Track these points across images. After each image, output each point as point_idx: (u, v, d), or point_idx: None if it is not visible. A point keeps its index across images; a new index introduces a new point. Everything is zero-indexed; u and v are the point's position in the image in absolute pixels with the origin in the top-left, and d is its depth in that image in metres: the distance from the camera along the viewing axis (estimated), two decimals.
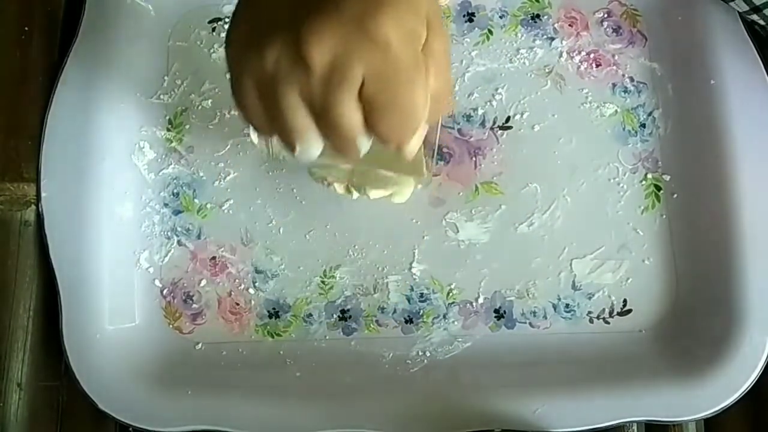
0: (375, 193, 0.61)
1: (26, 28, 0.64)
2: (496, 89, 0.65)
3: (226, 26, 0.65)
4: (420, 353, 0.62)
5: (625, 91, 0.65)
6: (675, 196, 0.63)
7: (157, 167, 0.65)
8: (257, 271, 0.63)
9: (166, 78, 0.66)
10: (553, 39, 0.66)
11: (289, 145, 0.45)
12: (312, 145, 0.45)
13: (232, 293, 0.63)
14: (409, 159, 0.47)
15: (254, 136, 0.54)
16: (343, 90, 0.41)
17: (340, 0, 0.40)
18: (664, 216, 0.63)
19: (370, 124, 0.43)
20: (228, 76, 0.45)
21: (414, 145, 0.45)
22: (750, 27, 0.63)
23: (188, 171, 0.65)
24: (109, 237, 0.62)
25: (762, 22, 0.61)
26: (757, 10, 0.60)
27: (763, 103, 0.62)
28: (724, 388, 0.58)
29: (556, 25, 0.66)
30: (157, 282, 0.63)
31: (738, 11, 0.62)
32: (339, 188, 0.62)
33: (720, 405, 0.57)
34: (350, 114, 0.42)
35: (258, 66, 0.42)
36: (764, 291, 0.59)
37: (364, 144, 0.44)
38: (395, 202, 0.62)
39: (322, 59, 0.40)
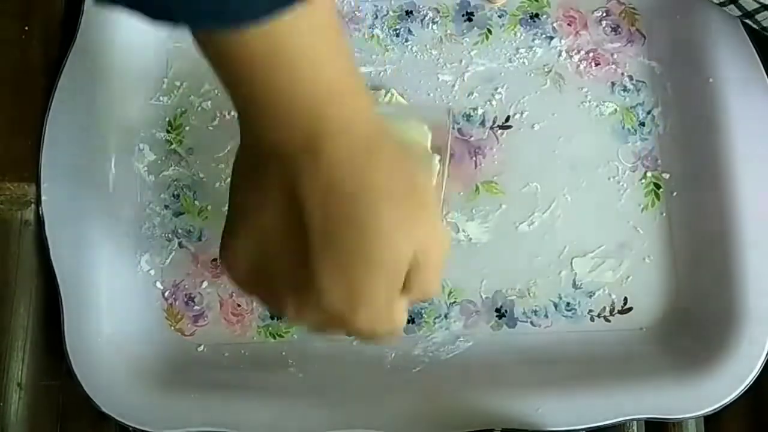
0: None
1: (26, 28, 0.64)
2: (496, 89, 0.65)
3: None
4: (422, 353, 0.62)
5: (624, 90, 0.65)
6: (674, 194, 0.63)
7: (157, 169, 0.65)
8: None
9: (165, 80, 0.66)
10: (552, 38, 0.66)
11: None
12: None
13: (234, 295, 0.63)
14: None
15: None
16: (326, 334, 0.45)
17: (319, 286, 0.41)
18: (664, 214, 0.63)
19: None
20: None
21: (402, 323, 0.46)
22: (748, 26, 0.63)
23: (188, 173, 0.65)
24: (110, 240, 0.62)
25: (756, 27, 0.62)
26: (749, 15, 0.61)
27: (761, 101, 0.62)
28: (724, 386, 0.58)
29: (555, 25, 0.66)
30: (158, 284, 0.63)
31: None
32: None
33: (720, 402, 0.57)
34: (337, 336, 0.45)
35: (254, 293, 0.46)
36: (764, 288, 0.59)
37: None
38: None
39: (302, 324, 0.45)
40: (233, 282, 0.46)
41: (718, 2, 0.61)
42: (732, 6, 0.61)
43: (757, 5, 0.60)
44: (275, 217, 0.42)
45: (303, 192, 0.40)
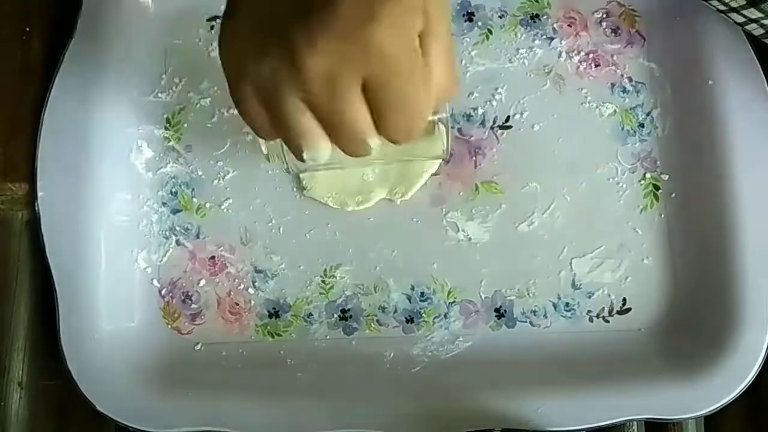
0: (373, 196, 0.62)
1: (26, 28, 0.63)
2: (496, 89, 0.65)
3: None
4: (421, 353, 0.62)
5: (623, 91, 0.65)
6: (673, 195, 0.64)
7: (155, 166, 0.65)
8: (257, 271, 0.63)
9: (164, 76, 0.66)
10: (552, 39, 0.66)
11: (297, 150, 0.45)
12: (320, 148, 0.45)
13: (232, 293, 0.63)
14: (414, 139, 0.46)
15: (263, 147, 0.54)
16: (343, 98, 0.41)
17: (333, 8, 0.39)
18: (663, 215, 0.64)
19: (376, 126, 0.43)
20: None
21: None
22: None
23: (187, 170, 0.65)
24: (107, 236, 0.62)
25: (755, 34, 0.62)
26: (740, 26, 0.61)
27: (760, 103, 0.62)
28: (723, 386, 0.58)
29: (555, 25, 0.67)
30: (155, 282, 0.63)
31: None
32: (332, 203, 0.63)
33: (719, 402, 0.58)
34: (355, 117, 0.42)
35: (256, 74, 0.42)
36: (762, 289, 0.59)
37: (374, 142, 0.44)
38: (399, 202, 0.62)
39: (317, 70, 0.40)
40: (235, 66, 0.43)
41: (718, 10, 0.62)
42: (733, 14, 0.61)
43: (743, 19, 0.60)
44: None
45: None
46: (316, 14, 0.39)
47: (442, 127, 0.53)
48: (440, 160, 0.63)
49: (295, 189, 0.64)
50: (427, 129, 0.50)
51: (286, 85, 0.41)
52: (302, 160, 0.46)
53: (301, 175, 0.63)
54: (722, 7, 0.60)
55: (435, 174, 0.64)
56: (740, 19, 0.60)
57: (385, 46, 0.40)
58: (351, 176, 0.63)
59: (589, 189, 0.64)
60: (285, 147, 0.48)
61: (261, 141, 0.52)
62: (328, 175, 0.63)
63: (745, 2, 0.57)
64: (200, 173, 0.65)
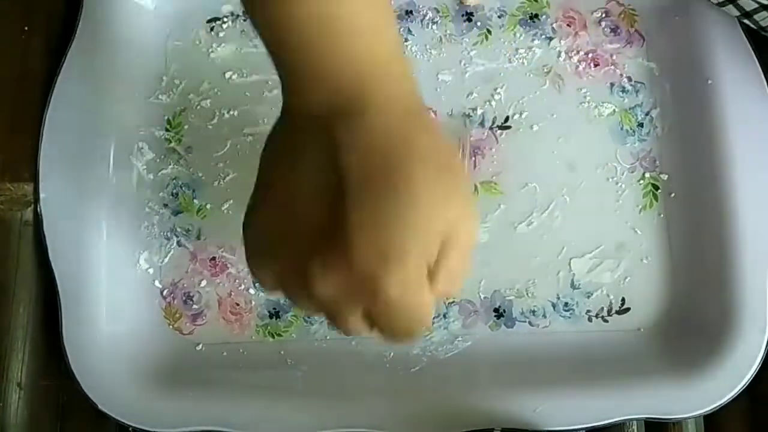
0: None
1: (26, 28, 0.64)
2: (495, 89, 0.65)
3: (225, 26, 0.66)
4: (420, 353, 0.62)
5: (623, 91, 0.65)
6: (672, 195, 0.63)
7: (156, 167, 0.65)
8: None
9: (164, 78, 0.66)
10: (551, 39, 0.66)
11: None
12: None
13: (233, 293, 0.63)
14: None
15: None
16: (345, 320, 0.42)
17: (350, 252, 0.39)
18: (662, 215, 0.63)
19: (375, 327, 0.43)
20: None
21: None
22: (746, 27, 0.63)
23: (187, 171, 0.65)
24: (109, 238, 0.62)
25: (754, 27, 0.62)
26: (748, 15, 0.61)
27: (759, 102, 0.62)
28: (723, 385, 0.58)
29: (554, 25, 0.67)
30: (156, 283, 0.63)
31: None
32: None
33: (718, 402, 0.58)
34: (355, 330, 0.42)
35: (272, 267, 0.43)
36: (761, 289, 0.59)
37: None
38: None
39: (325, 296, 0.40)
40: (253, 257, 0.44)
41: (716, 2, 0.62)
42: (731, 6, 0.61)
43: (755, 5, 0.60)
44: (309, 174, 0.41)
45: (342, 148, 0.40)
46: (334, 248, 0.40)
47: None
48: None
49: None
50: None
51: (297, 281, 0.41)
52: None
53: None
54: None
55: None
56: (736, 12, 0.60)
57: (392, 296, 0.39)
58: None
59: (588, 189, 0.64)
60: None
61: None
62: None
63: None
64: (201, 174, 0.65)
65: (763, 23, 0.61)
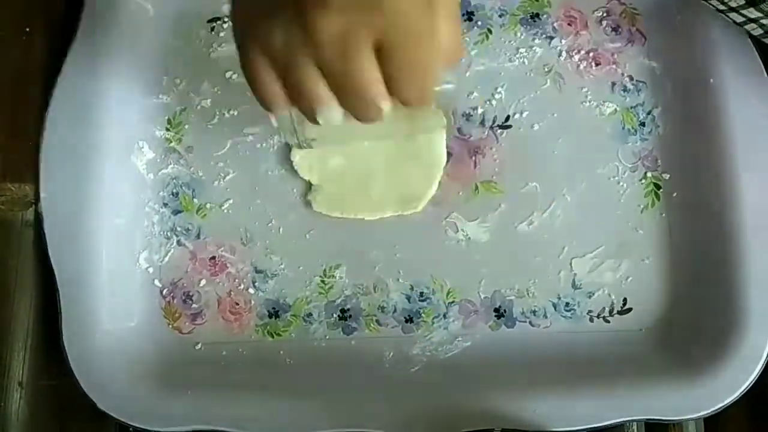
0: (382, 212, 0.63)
1: (26, 28, 0.64)
2: (496, 88, 0.65)
3: (225, 25, 0.66)
4: (420, 352, 0.62)
5: (624, 90, 0.65)
6: (674, 194, 0.63)
7: (156, 167, 0.65)
8: (257, 271, 0.63)
9: (165, 77, 0.66)
10: (552, 38, 0.66)
11: (310, 114, 0.45)
12: (333, 110, 0.44)
13: (232, 293, 0.63)
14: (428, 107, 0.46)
15: (274, 120, 0.54)
16: (356, 59, 0.41)
17: None
18: (664, 215, 0.63)
19: (389, 87, 0.42)
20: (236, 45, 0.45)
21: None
22: None
23: (187, 171, 0.65)
24: (109, 237, 0.62)
25: (755, 33, 0.62)
26: (740, 26, 0.61)
27: (761, 102, 0.61)
28: (724, 387, 0.58)
29: (555, 24, 0.66)
30: (156, 282, 0.64)
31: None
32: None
33: (720, 404, 0.57)
34: (368, 79, 0.42)
35: (267, 39, 0.42)
36: (764, 289, 0.59)
37: (386, 105, 0.44)
38: (408, 213, 0.63)
39: (330, 32, 0.40)
40: (245, 30, 0.43)
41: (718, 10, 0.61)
42: (733, 14, 0.61)
43: (743, 18, 0.59)
44: None
45: None
46: None
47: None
48: (441, 171, 0.63)
49: (295, 190, 0.64)
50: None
51: (298, 49, 0.41)
52: (316, 123, 0.45)
53: (309, 196, 0.63)
54: (722, 7, 0.59)
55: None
56: (739, 19, 0.59)
57: (398, 7, 0.40)
58: (356, 190, 0.63)
59: (589, 188, 0.64)
60: (295, 120, 0.48)
61: (271, 115, 0.52)
62: (333, 191, 0.63)
63: (744, 2, 0.57)
64: (201, 174, 0.65)
65: (754, 33, 0.61)
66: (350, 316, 0.63)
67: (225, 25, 0.67)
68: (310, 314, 0.63)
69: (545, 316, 0.62)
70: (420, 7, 0.41)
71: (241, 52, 0.44)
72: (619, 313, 0.62)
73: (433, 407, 0.59)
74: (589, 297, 0.62)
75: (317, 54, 0.41)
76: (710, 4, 0.60)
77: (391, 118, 0.45)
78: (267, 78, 0.44)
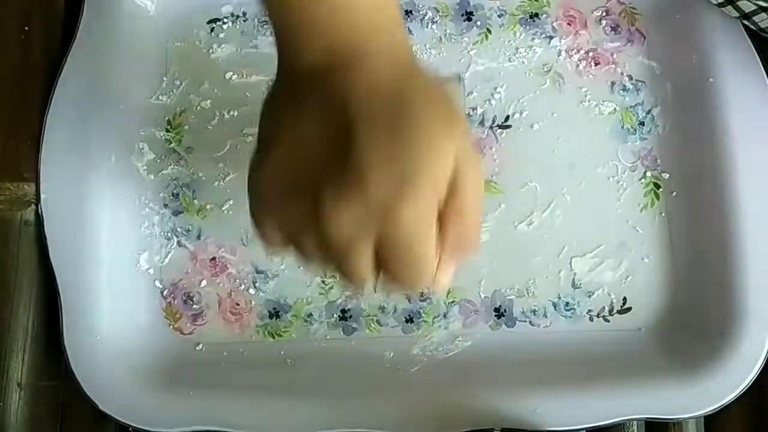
0: None
1: (26, 28, 0.64)
2: (495, 88, 0.65)
3: (225, 26, 0.66)
4: (420, 352, 0.62)
5: (623, 90, 0.65)
6: (674, 194, 0.63)
7: (156, 168, 0.65)
8: (257, 272, 0.63)
9: (165, 78, 0.66)
10: (551, 38, 0.66)
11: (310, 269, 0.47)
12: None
13: (233, 294, 0.63)
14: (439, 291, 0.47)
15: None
16: (355, 254, 0.41)
17: (364, 180, 0.40)
18: (664, 214, 0.63)
19: (381, 271, 0.43)
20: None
21: (445, 283, 0.45)
22: (747, 27, 0.63)
23: (188, 171, 0.65)
24: (109, 238, 0.62)
25: (754, 28, 0.62)
26: (747, 17, 0.61)
27: (761, 101, 0.62)
28: (724, 386, 0.58)
29: (554, 24, 0.66)
30: (157, 283, 0.63)
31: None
32: None
33: (720, 402, 0.57)
34: (361, 269, 0.42)
35: (279, 210, 0.43)
36: (763, 288, 0.59)
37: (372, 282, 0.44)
38: None
39: (338, 229, 0.40)
40: (260, 210, 0.44)
41: (716, 3, 0.61)
42: (730, 7, 0.61)
43: (754, 7, 0.60)
44: (312, 123, 0.42)
45: (345, 94, 0.41)
46: (347, 181, 0.40)
47: None
48: None
49: None
50: None
51: (307, 229, 0.42)
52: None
53: None
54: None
55: None
56: (750, 8, 0.59)
57: (406, 224, 0.40)
58: None
59: (589, 188, 0.64)
60: None
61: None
62: None
63: None
64: (201, 175, 0.65)
65: (762, 24, 0.61)
66: (350, 317, 0.63)
67: (225, 26, 0.67)
68: (311, 314, 0.63)
69: (545, 316, 0.62)
70: (426, 225, 0.41)
71: (253, 204, 0.45)
72: (619, 312, 0.62)
73: (433, 407, 0.59)
74: (589, 296, 0.62)
75: (320, 238, 0.41)
76: None
77: None
78: (274, 239, 0.45)
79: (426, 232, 0.41)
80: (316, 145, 0.41)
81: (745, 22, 0.62)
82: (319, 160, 0.41)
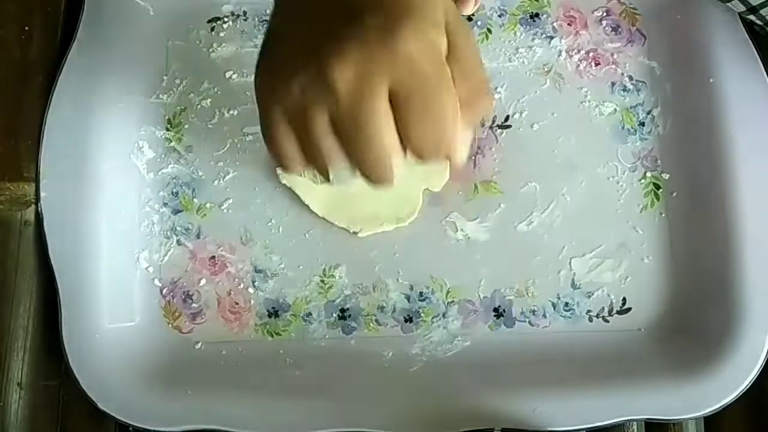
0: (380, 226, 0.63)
1: (26, 28, 0.64)
2: (496, 88, 0.65)
3: (225, 26, 0.66)
4: (419, 352, 0.62)
5: (624, 90, 0.65)
6: (674, 194, 0.63)
7: (156, 167, 0.65)
8: (257, 271, 0.63)
9: (165, 77, 0.66)
10: (552, 38, 0.66)
11: (323, 172, 0.45)
12: (346, 170, 0.44)
13: (232, 292, 0.63)
14: (458, 168, 0.47)
15: (280, 177, 0.54)
16: (370, 106, 0.40)
17: (360, 22, 0.40)
18: (663, 214, 0.63)
19: (403, 137, 0.42)
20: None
21: (463, 154, 0.44)
22: (749, 25, 0.63)
23: (187, 170, 0.65)
24: (109, 236, 0.62)
25: (759, 22, 0.62)
26: (754, 10, 0.61)
27: (761, 101, 0.62)
28: (724, 386, 0.58)
29: (555, 24, 0.66)
30: (156, 281, 0.64)
31: (736, 11, 0.62)
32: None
33: (719, 403, 0.58)
34: (381, 129, 0.41)
35: (285, 95, 0.42)
36: (763, 289, 0.59)
37: (399, 165, 0.42)
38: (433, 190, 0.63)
39: (346, 80, 0.40)
40: (265, 79, 0.44)
41: None
42: (736, 1, 0.61)
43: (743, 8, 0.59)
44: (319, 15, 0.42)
45: None
46: (343, 29, 0.40)
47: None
48: (444, 180, 0.63)
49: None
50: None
51: (314, 101, 0.41)
52: (329, 181, 0.45)
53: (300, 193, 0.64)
54: None
55: None
56: (741, 8, 0.59)
57: (412, 52, 0.40)
58: (351, 202, 0.63)
59: (588, 188, 0.64)
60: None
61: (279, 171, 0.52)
62: (327, 200, 0.63)
63: None
64: (201, 174, 0.65)
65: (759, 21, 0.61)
66: (350, 316, 0.63)
67: (225, 25, 0.67)
68: (310, 314, 0.63)
69: (544, 316, 0.62)
70: (434, 59, 0.41)
71: (261, 112, 0.44)
72: (619, 312, 0.62)
73: (432, 407, 0.59)
74: (589, 297, 0.62)
75: (332, 104, 0.41)
76: None
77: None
78: (285, 140, 0.44)
79: (444, 83, 0.41)
80: (319, 23, 0.42)
81: (752, 16, 0.61)
82: (320, 32, 0.41)
